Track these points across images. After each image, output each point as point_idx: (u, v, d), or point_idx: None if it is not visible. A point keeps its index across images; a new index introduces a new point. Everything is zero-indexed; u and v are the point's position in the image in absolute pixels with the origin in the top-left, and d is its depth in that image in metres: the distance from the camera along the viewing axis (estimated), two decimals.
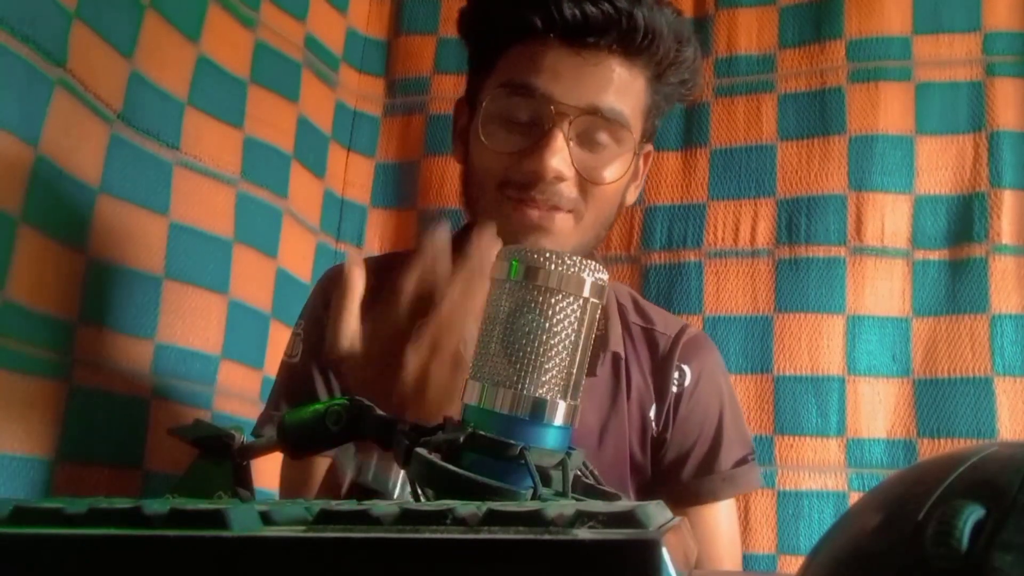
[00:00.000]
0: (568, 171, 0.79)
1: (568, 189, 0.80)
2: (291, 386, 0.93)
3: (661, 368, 0.93)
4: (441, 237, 0.66)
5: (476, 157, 0.83)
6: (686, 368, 0.93)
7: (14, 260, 0.82)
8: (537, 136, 0.79)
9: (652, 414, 0.92)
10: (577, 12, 0.77)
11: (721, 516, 0.95)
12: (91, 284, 0.93)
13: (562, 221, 0.81)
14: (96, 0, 0.92)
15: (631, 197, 0.91)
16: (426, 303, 0.63)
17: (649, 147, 0.92)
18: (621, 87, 0.80)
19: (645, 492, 0.93)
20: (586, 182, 0.81)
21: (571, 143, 0.79)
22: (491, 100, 0.82)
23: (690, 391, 0.93)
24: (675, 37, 0.82)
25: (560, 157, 0.78)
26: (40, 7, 0.85)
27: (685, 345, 0.94)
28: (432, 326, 0.61)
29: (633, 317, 0.96)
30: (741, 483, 0.95)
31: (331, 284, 0.88)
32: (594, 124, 0.80)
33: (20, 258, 0.83)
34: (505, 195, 0.81)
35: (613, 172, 0.82)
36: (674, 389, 0.92)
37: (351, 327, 0.65)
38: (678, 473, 0.93)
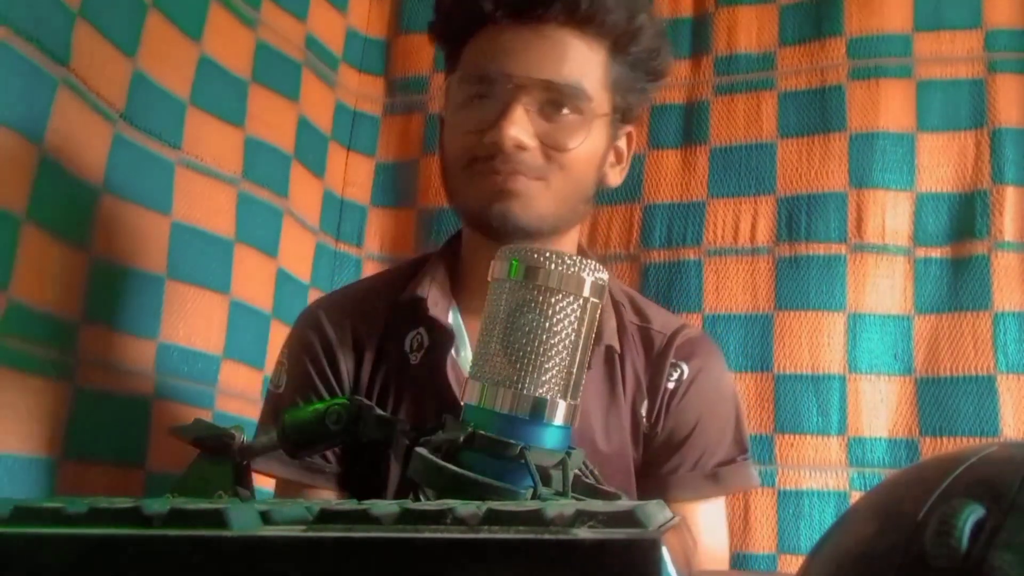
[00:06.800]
0: (529, 140, 0.81)
1: (532, 157, 0.82)
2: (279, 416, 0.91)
3: (656, 365, 0.91)
4: None
5: (446, 144, 0.87)
6: (684, 365, 0.91)
7: (18, 259, 0.82)
8: (498, 111, 0.82)
9: (643, 410, 0.90)
10: None
11: (701, 518, 0.90)
12: (94, 283, 0.93)
13: (528, 185, 0.83)
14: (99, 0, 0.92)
15: (614, 179, 0.92)
16: None
17: (629, 128, 0.92)
18: (578, 59, 0.83)
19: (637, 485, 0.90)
20: (550, 150, 0.83)
21: (531, 113, 0.82)
22: (454, 90, 0.86)
23: (686, 387, 0.90)
24: (625, 6, 0.84)
25: (519, 127, 0.80)
26: (44, 6, 0.86)
27: (681, 343, 0.92)
28: None
29: (630, 316, 0.93)
30: (727, 482, 0.91)
31: (315, 330, 0.91)
32: (552, 95, 0.82)
33: (24, 257, 0.83)
34: (473, 170, 0.84)
35: (576, 138, 0.83)
36: (670, 385, 0.90)
37: None
38: (659, 466, 0.90)
